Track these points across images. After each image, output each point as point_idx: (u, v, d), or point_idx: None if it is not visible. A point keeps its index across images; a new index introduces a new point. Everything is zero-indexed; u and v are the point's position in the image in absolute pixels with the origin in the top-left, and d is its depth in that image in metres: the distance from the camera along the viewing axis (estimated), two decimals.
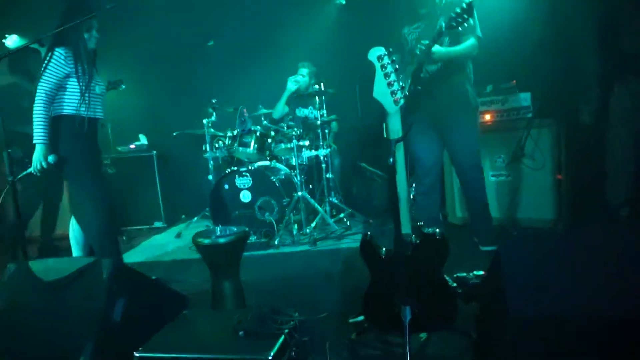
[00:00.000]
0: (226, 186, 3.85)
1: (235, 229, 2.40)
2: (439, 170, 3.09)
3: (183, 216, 5.14)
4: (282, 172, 4.03)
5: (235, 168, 3.87)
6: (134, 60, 5.07)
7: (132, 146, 5.03)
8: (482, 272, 2.26)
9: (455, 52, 2.71)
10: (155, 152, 4.86)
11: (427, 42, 2.57)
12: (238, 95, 4.47)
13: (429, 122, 2.88)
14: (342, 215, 4.22)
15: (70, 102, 2.62)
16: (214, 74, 5.06)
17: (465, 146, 2.92)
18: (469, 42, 2.72)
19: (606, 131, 3.25)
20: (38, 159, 2.55)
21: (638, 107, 3.05)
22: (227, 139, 4.24)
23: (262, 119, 4.08)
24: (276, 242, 3.66)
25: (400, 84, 1.52)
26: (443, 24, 2.46)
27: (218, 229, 2.41)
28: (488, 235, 3.00)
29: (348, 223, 4.09)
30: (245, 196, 3.82)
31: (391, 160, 1.47)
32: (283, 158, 4.25)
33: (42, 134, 2.54)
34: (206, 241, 2.26)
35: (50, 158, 2.58)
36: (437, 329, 1.81)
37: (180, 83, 5.17)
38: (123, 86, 3.83)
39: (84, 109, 2.61)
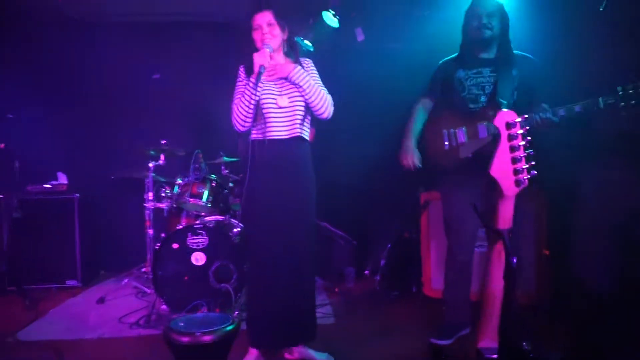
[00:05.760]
0: (175, 245, 3.19)
1: (218, 317, 1.84)
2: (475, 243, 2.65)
3: (102, 272, 4.30)
4: (238, 229, 3.46)
5: (186, 224, 3.24)
6: (61, 82, 4.29)
7: (47, 186, 4.14)
8: None
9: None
10: (77, 195, 4.01)
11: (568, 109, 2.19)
12: (194, 138, 3.87)
13: (476, 182, 2.36)
14: None
15: None
16: (165, 111, 4.38)
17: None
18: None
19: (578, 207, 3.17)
20: None
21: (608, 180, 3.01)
22: (176, 187, 3.60)
23: (223, 168, 3.50)
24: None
25: (530, 160, 1.14)
26: (601, 101, 2.07)
27: (182, 319, 1.82)
28: None
29: None
30: (198, 259, 3.19)
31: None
32: (239, 212, 3.68)
33: None
34: (184, 339, 1.66)
35: None
36: None
37: (121, 117, 4.42)
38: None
39: None
